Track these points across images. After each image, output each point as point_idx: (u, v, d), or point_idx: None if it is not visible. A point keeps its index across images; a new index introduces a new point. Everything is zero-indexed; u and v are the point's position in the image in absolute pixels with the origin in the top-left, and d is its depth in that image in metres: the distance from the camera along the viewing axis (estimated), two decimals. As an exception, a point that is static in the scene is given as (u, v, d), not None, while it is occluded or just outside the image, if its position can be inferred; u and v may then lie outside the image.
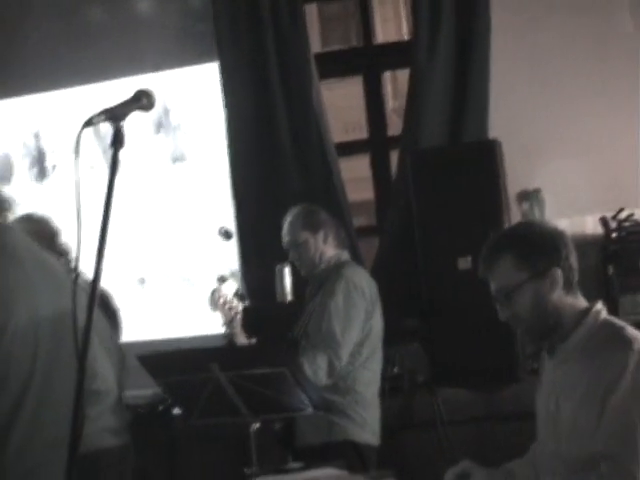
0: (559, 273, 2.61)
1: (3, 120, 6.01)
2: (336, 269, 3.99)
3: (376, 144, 5.64)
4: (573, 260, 2.66)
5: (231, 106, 5.34)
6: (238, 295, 3.91)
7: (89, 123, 2.11)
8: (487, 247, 2.73)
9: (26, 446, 2.58)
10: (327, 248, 4.06)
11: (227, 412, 3.28)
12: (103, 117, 2.14)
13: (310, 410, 3.24)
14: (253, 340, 3.91)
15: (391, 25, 5.77)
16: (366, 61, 5.65)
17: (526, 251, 2.63)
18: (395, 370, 4.72)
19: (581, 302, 2.67)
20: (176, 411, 4.51)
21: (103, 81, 5.50)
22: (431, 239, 4.67)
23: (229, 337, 3.89)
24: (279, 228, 4.24)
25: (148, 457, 3.88)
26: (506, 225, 4.57)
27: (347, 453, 3.75)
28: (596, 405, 2.48)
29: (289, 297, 4.75)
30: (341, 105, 5.48)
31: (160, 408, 4.72)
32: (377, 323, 3.98)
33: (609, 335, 2.58)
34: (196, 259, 5.51)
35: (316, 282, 4.05)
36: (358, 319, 3.86)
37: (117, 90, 5.30)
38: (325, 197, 5.06)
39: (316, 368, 3.69)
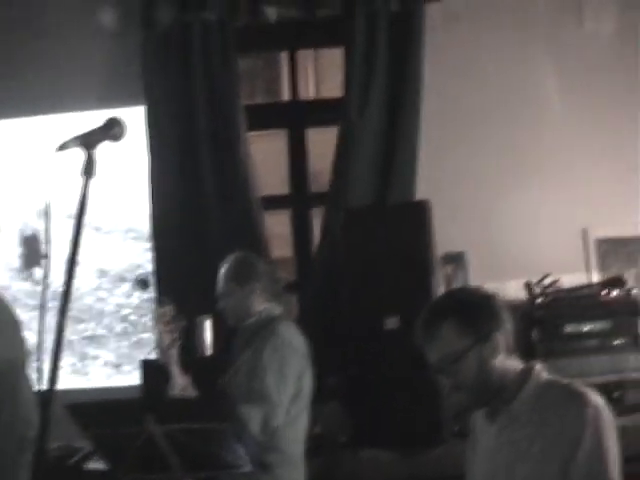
0: (500, 337, 2.60)
1: None
2: (268, 324, 3.89)
3: (298, 201, 5.58)
4: (509, 323, 2.66)
5: (155, 151, 5.21)
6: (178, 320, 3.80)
7: (62, 148, 2.03)
8: (427, 314, 2.70)
9: None
10: (256, 301, 3.96)
11: (158, 468, 3.14)
12: (76, 143, 2.05)
13: (248, 467, 3.13)
14: (187, 377, 3.78)
15: (322, 81, 5.76)
16: (292, 116, 5.61)
17: (469, 317, 2.62)
18: (316, 429, 4.61)
19: (519, 364, 2.68)
20: (92, 465, 4.29)
21: (28, 116, 5.34)
22: (358, 297, 4.62)
23: (163, 365, 3.75)
24: (200, 279, 4.12)
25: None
26: (434, 286, 4.58)
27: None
28: (559, 462, 2.47)
29: (209, 351, 4.64)
30: (264, 159, 5.40)
31: (71, 461, 4.50)
32: (308, 381, 3.89)
33: (559, 393, 2.59)
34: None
35: (246, 335, 3.95)
36: (291, 377, 3.77)
37: (41, 126, 5.18)
38: (248, 251, 4.96)
39: (251, 423, 3.57)
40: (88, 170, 2.05)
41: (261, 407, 3.62)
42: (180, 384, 3.77)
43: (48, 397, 1.92)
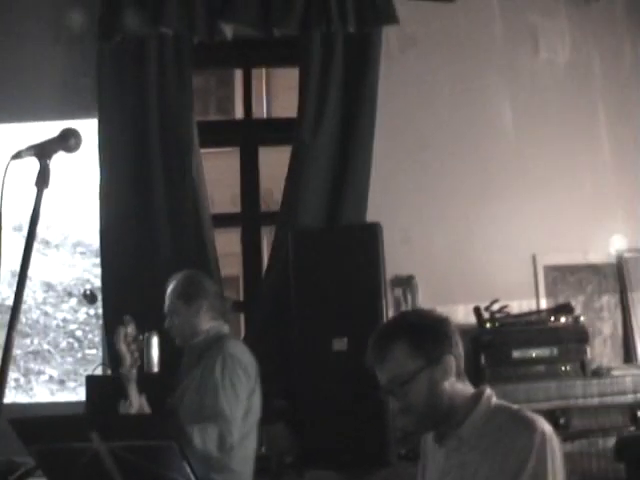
0: (452, 360, 2.59)
1: None
2: (216, 342, 3.84)
3: (248, 219, 5.54)
4: (461, 347, 2.66)
5: (106, 165, 5.13)
6: (139, 340, 3.75)
7: (17, 156, 1.99)
8: (378, 335, 2.68)
9: None
10: (202, 320, 3.92)
11: (102, 485, 3.07)
12: (30, 152, 2.01)
13: (192, 487, 3.06)
14: (142, 396, 3.72)
15: (275, 101, 5.75)
16: (245, 134, 5.59)
17: (420, 339, 2.61)
18: (262, 450, 4.57)
19: (470, 388, 2.67)
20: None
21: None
22: (307, 319, 4.60)
23: (123, 383, 3.69)
24: (148, 296, 4.07)
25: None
26: (383, 309, 4.57)
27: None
28: None
29: (156, 368, 4.60)
30: (216, 177, 5.38)
31: (12, 477, 4.39)
32: (257, 401, 3.85)
33: (508, 418, 2.58)
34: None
35: (194, 353, 3.89)
36: (243, 394, 3.73)
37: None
38: (198, 269, 4.91)
39: (207, 440, 3.51)
40: (42, 180, 2.00)
41: (216, 424, 3.57)
42: (137, 403, 3.72)
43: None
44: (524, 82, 5.34)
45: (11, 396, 4.94)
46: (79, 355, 5.43)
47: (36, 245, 2.00)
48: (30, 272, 1.98)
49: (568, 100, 5.32)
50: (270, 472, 4.55)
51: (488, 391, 2.65)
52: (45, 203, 1.98)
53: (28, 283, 2.00)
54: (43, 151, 2.02)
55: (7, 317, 1.98)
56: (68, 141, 2.09)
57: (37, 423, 3.00)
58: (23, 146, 2.01)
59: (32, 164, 2.03)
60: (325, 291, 4.57)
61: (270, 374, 4.01)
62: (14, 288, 1.94)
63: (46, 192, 2.00)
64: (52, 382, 5.31)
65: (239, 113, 5.60)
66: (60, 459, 3.05)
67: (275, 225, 5.21)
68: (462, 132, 5.25)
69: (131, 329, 3.74)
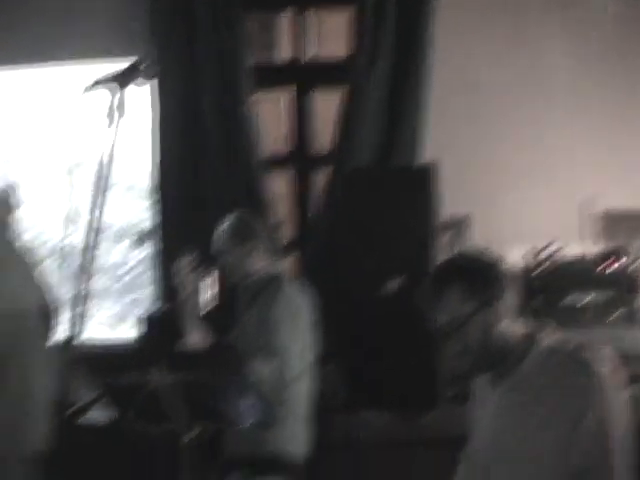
0: (505, 301, 2.59)
1: None
2: (272, 281, 3.88)
3: (299, 161, 5.55)
4: (513, 289, 2.64)
5: (159, 108, 5.16)
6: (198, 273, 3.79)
7: (91, 88, 2.01)
8: (432, 278, 2.67)
9: None
10: (255, 260, 3.95)
11: (163, 418, 3.12)
12: (104, 83, 2.03)
13: (252, 421, 3.12)
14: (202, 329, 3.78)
15: (326, 42, 5.71)
16: (296, 76, 5.57)
17: (474, 281, 2.59)
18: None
19: (524, 329, 2.65)
20: (90, 417, 4.27)
21: (34, 65, 5.30)
22: (358, 261, 4.61)
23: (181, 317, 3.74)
24: (200, 237, 4.11)
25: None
26: (435, 251, 4.57)
27: (276, 467, 3.64)
28: (558, 432, 2.44)
29: (210, 307, 4.64)
30: (267, 120, 5.37)
31: (69, 412, 4.47)
32: (313, 339, 3.89)
33: (564, 360, 2.55)
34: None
35: (249, 292, 3.94)
36: (300, 332, 3.76)
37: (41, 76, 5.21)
38: (249, 210, 4.93)
39: (267, 375, 3.56)
40: (117, 111, 2.02)
41: (274, 360, 3.61)
42: (196, 336, 3.77)
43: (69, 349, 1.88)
44: (582, 28, 5.26)
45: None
46: (132, 296, 5.50)
47: (88, 188, 2.02)
48: (83, 215, 2.00)
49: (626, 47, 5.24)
50: (322, 411, 4.59)
51: (544, 331, 2.65)
52: (121, 133, 2.00)
53: (82, 226, 2.01)
54: (119, 80, 2.03)
55: (63, 259, 2.00)
56: (139, 72, 2.10)
57: (101, 358, 3.07)
58: (97, 78, 2.03)
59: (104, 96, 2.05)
60: (377, 233, 4.56)
61: (320, 317, 4.03)
62: (69, 230, 1.95)
63: (122, 122, 2.02)
64: (106, 323, 5.40)
65: (288, 55, 5.56)
66: (122, 392, 3.12)
67: (326, 167, 5.21)
68: (516, 74, 5.20)
69: (190, 262, 3.78)
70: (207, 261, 4.03)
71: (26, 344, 2.29)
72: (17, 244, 2.39)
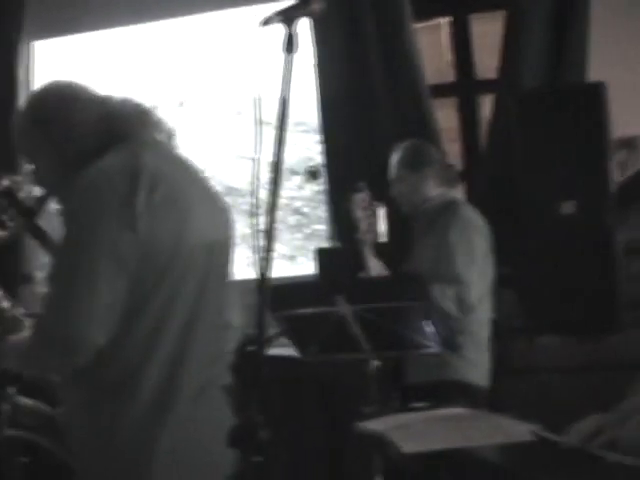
0: None
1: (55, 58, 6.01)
2: (447, 207, 3.88)
3: (464, 88, 5.49)
4: None
5: (322, 43, 5.21)
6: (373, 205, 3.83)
7: (266, 23, 2.03)
8: (620, 196, 2.60)
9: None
10: (429, 187, 3.95)
11: (347, 349, 3.18)
12: (277, 19, 2.04)
13: (437, 348, 3.14)
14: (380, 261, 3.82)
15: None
16: (456, 3, 5.48)
17: None
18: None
19: None
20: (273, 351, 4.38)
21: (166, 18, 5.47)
22: (532, 183, 4.53)
23: (359, 249, 3.80)
24: (370, 170, 4.12)
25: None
26: (609, 171, 4.44)
27: (458, 393, 3.64)
28: None
29: (383, 238, 4.67)
30: (426, 50, 5.32)
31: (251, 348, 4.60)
32: (490, 263, 3.87)
33: None
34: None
35: (424, 220, 3.95)
36: (478, 257, 3.75)
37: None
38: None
39: (447, 300, 3.58)
40: (290, 46, 2.03)
41: (453, 287, 3.62)
42: (374, 268, 3.82)
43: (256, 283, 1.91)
44: None
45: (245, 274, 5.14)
46: (307, 231, 5.59)
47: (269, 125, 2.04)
48: (254, 152, 2.02)
49: None
50: (500, 337, 4.58)
51: None
52: (294, 69, 2.01)
53: (251, 163, 2.04)
54: (288, 17, 2.04)
55: (235, 199, 2.03)
56: (311, 5, 2.10)
57: (282, 290, 3.12)
58: (270, 13, 2.04)
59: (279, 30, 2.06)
60: (550, 154, 4.46)
61: (495, 241, 4.00)
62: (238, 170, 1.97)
63: (295, 57, 2.03)
64: (282, 258, 5.52)
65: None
66: (305, 324, 3.19)
67: (492, 92, 5.13)
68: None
69: (364, 195, 3.81)
70: (379, 194, 4.06)
71: (219, 275, 2.35)
72: (203, 177, 2.45)
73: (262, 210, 1.94)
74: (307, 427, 4.59)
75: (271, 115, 2.02)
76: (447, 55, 5.57)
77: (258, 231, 1.94)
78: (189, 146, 2.45)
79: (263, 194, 1.97)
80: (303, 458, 4.61)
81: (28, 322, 2.41)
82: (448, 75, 5.56)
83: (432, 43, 5.59)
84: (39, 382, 3.34)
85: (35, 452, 3.55)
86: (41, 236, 2.68)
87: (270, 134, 1.99)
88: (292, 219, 5.59)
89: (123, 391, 2.14)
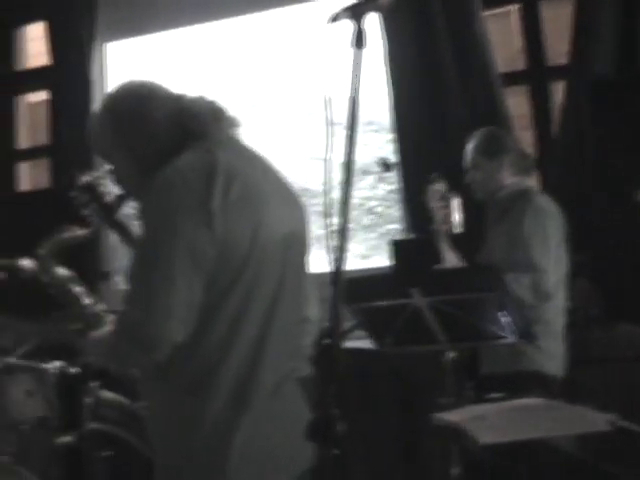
0: None
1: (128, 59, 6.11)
2: (521, 196, 3.85)
3: (535, 75, 5.44)
4: None
5: (392, 38, 5.21)
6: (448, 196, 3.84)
7: (334, 19, 2.04)
8: None
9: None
10: (504, 174, 3.93)
11: (423, 340, 3.19)
12: (346, 15, 2.05)
13: (512, 338, 3.12)
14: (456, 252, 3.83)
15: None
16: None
17: None
18: (568, 304, 4.56)
19: None
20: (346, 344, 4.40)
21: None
22: (607, 170, 4.49)
23: (435, 240, 3.82)
24: (444, 163, 4.11)
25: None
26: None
27: (534, 384, 3.61)
28: None
29: (458, 228, 4.66)
30: (495, 39, 5.29)
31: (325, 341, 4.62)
32: (565, 252, 3.84)
33: None
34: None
35: (498, 208, 3.93)
36: (553, 245, 3.72)
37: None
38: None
39: (523, 288, 3.56)
40: (359, 41, 2.04)
41: (528, 276, 3.60)
42: (450, 259, 3.82)
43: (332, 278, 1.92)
44: None
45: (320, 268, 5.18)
46: (381, 231, 5.59)
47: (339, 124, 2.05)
48: (325, 153, 2.02)
49: None
50: (576, 326, 4.53)
51: None
52: (363, 65, 2.02)
53: (323, 164, 2.04)
54: (356, 13, 2.04)
55: (309, 200, 2.03)
56: (380, 0, 2.10)
57: (358, 282, 3.13)
58: (337, 9, 2.05)
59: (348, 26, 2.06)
60: (625, 140, 4.43)
61: (569, 229, 3.96)
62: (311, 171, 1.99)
63: (364, 53, 2.03)
64: (357, 257, 5.54)
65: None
66: (381, 316, 3.19)
67: (564, 78, 5.08)
68: None
69: (440, 186, 3.82)
70: (453, 185, 4.05)
71: (297, 268, 2.37)
72: (277, 171, 2.47)
73: (335, 210, 1.95)
74: (383, 419, 4.61)
75: (341, 115, 2.02)
76: (517, 42, 5.52)
77: (332, 231, 1.95)
78: (261, 148, 2.47)
79: (336, 195, 1.98)
80: (379, 450, 4.63)
81: (109, 318, 2.47)
82: (519, 63, 5.51)
83: (502, 30, 5.55)
84: (120, 376, 3.40)
85: (117, 445, 3.62)
86: (123, 231, 2.73)
87: (341, 134, 1.99)
88: (366, 219, 5.60)
89: (202, 388, 2.17)
